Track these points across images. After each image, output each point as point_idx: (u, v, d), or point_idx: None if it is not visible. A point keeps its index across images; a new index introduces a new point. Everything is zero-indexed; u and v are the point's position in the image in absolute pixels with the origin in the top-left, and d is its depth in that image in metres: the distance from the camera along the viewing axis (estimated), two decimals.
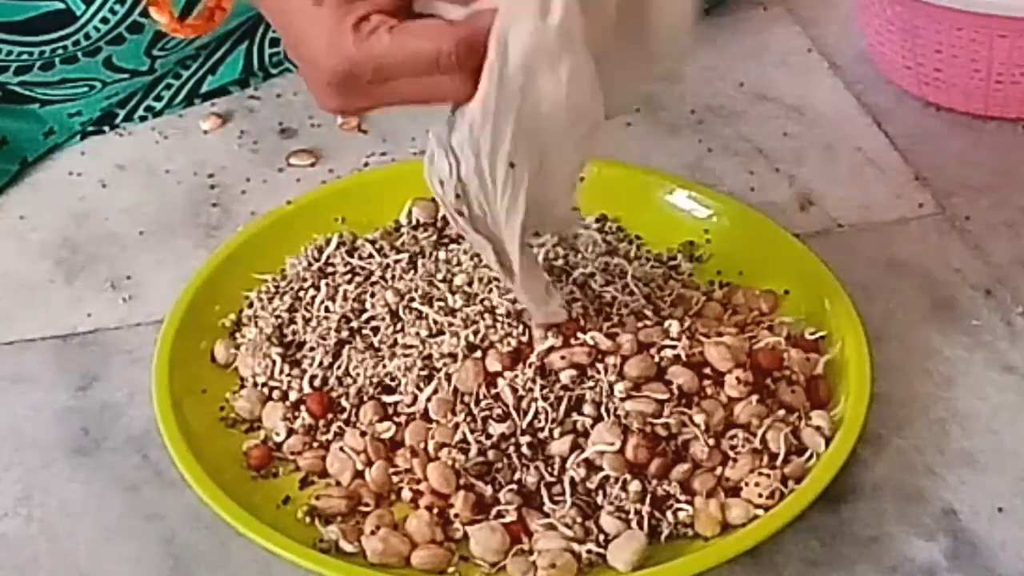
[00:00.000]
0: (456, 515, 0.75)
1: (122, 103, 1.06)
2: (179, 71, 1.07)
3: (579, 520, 0.75)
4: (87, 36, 0.99)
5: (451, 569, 0.74)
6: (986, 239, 0.95)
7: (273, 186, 1.01)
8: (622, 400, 0.77)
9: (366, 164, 1.03)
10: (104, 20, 0.98)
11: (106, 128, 1.06)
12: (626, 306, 0.83)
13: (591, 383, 0.78)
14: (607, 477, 0.75)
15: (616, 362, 0.78)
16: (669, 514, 0.75)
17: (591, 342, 0.79)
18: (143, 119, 1.07)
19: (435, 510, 0.76)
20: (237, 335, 0.86)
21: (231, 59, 1.09)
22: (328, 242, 0.90)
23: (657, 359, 0.79)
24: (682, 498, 0.76)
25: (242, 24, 1.08)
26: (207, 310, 0.87)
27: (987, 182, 1.00)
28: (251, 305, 0.88)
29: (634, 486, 0.75)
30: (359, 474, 0.78)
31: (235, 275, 0.89)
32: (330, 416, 0.81)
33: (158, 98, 1.07)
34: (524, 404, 0.77)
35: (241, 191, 1.01)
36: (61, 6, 0.97)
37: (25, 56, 0.99)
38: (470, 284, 0.84)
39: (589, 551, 0.74)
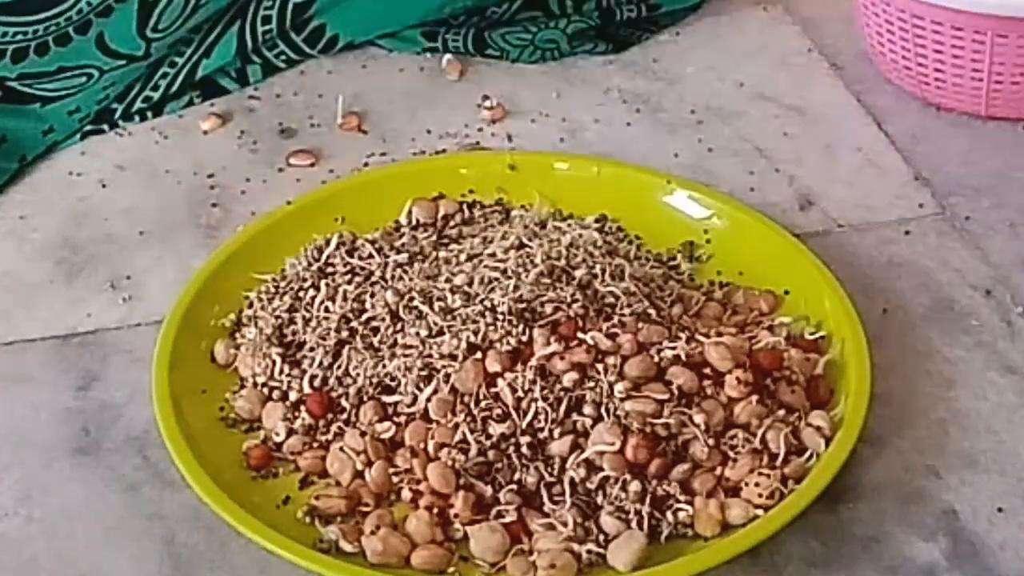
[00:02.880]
0: (456, 515, 0.75)
1: (120, 96, 1.06)
2: (174, 58, 1.07)
3: (579, 520, 0.75)
4: (79, 12, 0.99)
5: (451, 569, 0.74)
6: (986, 239, 0.95)
7: (273, 186, 1.01)
8: (622, 400, 0.77)
9: (366, 164, 1.03)
10: None
11: (105, 127, 1.06)
12: (628, 306, 0.83)
13: (591, 383, 0.78)
14: (607, 477, 0.75)
15: (616, 362, 0.78)
16: (669, 514, 0.75)
17: (591, 342, 0.79)
18: (142, 112, 1.07)
19: (435, 510, 0.76)
20: (237, 335, 0.86)
21: (224, 40, 1.08)
22: (328, 242, 0.89)
23: (657, 359, 0.79)
24: (682, 498, 0.76)
25: (234, 3, 1.07)
26: (207, 310, 0.87)
27: (987, 182, 1.00)
28: (251, 305, 0.88)
29: (634, 486, 0.75)
30: (359, 474, 0.78)
31: (235, 275, 0.89)
32: (330, 416, 0.81)
33: (155, 87, 1.07)
34: (524, 404, 0.77)
35: (241, 191, 1.01)
36: None
37: (20, 37, 0.99)
38: (470, 284, 0.84)
39: (589, 551, 0.74)
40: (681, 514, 0.75)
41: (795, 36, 1.16)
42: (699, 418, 0.77)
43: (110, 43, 1.03)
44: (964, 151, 1.03)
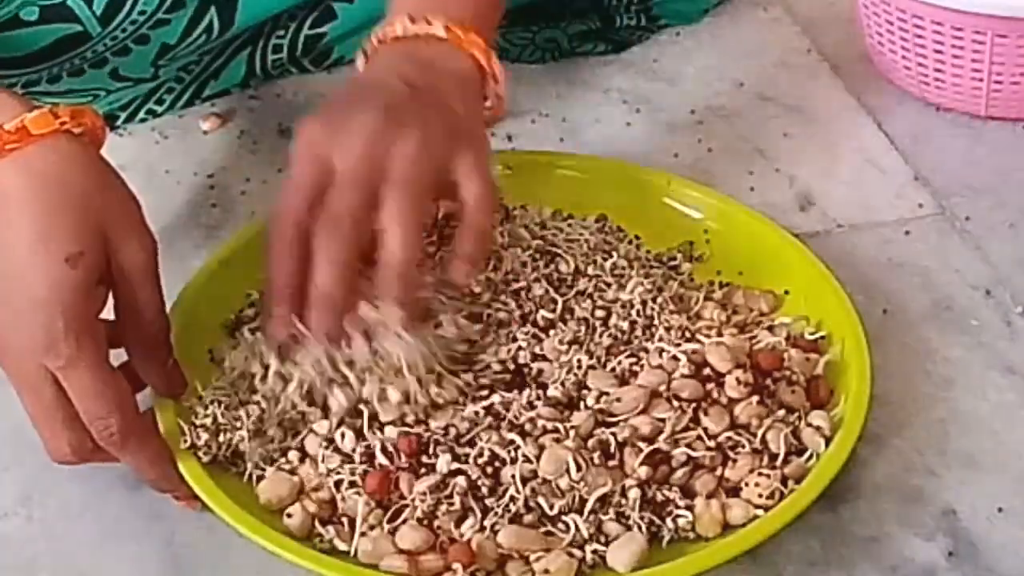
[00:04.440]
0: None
1: (124, 107, 1.07)
2: (181, 75, 1.07)
3: (579, 523, 0.74)
4: (94, 51, 0.99)
5: (450, 570, 0.74)
6: (986, 239, 0.95)
7: (273, 186, 1.01)
8: (623, 415, 0.76)
9: None
10: (114, 38, 0.99)
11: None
12: (626, 318, 0.82)
13: (589, 396, 0.78)
14: (605, 483, 0.75)
15: (617, 372, 0.78)
16: (669, 520, 0.75)
17: (588, 357, 0.79)
18: (143, 122, 1.07)
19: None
20: (237, 335, 0.86)
21: (233, 64, 1.08)
22: None
23: (663, 375, 0.79)
24: (681, 504, 0.75)
25: (245, 30, 1.07)
26: (207, 310, 0.87)
27: (987, 182, 1.00)
28: (251, 305, 0.88)
29: (633, 493, 0.75)
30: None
31: (235, 275, 0.89)
32: None
33: (159, 102, 1.07)
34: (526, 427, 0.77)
35: (241, 191, 1.01)
36: (79, 28, 0.98)
37: (35, 76, 0.99)
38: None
39: (589, 552, 0.74)
40: (681, 520, 0.74)
41: (795, 36, 1.16)
42: (704, 424, 0.77)
43: (123, 73, 1.02)
44: (964, 151, 1.03)
